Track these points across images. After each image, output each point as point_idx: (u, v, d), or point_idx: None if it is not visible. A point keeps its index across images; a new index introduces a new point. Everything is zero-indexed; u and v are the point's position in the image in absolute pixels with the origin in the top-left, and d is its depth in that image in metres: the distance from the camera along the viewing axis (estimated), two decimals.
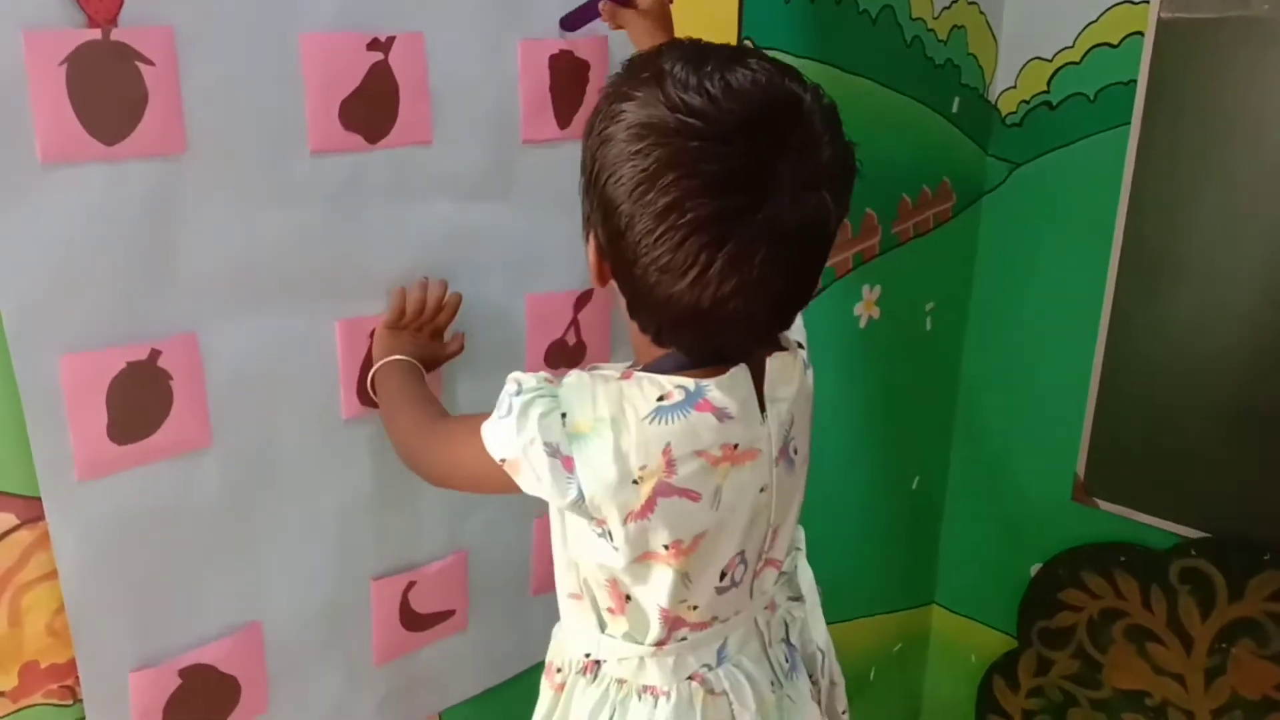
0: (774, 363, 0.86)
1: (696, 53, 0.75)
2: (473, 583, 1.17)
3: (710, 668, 0.90)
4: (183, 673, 0.96)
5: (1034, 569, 1.80)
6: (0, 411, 0.82)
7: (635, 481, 0.78)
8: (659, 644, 0.87)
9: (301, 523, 1.01)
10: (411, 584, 1.11)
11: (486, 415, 0.82)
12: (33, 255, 0.80)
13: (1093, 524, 1.72)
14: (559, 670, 0.95)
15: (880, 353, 1.66)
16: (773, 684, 0.93)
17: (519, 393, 0.80)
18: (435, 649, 1.16)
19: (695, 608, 0.86)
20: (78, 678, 0.90)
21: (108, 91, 0.81)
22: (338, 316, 0.99)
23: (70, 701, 0.91)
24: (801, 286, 0.79)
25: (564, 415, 0.78)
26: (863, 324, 1.60)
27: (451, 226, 1.04)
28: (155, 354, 0.88)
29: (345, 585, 1.07)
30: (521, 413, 0.78)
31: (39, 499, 0.85)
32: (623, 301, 0.81)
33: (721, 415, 0.80)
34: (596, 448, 0.78)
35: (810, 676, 0.98)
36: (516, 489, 0.82)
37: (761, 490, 0.85)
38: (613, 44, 1.11)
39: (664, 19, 1.03)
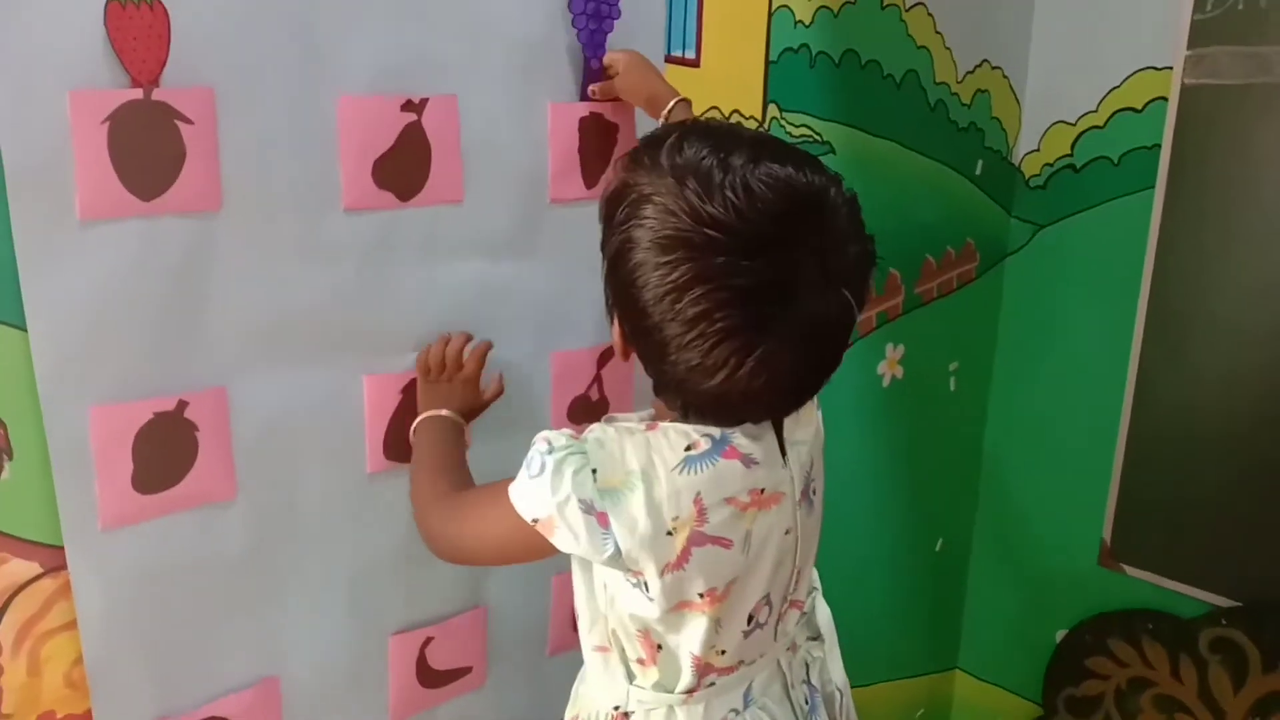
0: None
1: (715, 144, 0.75)
2: (491, 640, 1.16)
3: (737, 712, 0.89)
4: None
5: (1059, 635, 1.77)
6: (27, 460, 0.83)
7: (669, 533, 0.79)
8: (689, 691, 0.87)
9: (323, 577, 1.01)
10: (429, 640, 1.11)
11: (507, 481, 0.82)
12: (68, 308, 0.82)
13: (1120, 590, 1.69)
14: None
15: (903, 412, 1.65)
16: None
17: (550, 451, 0.79)
18: (452, 706, 1.15)
19: (723, 653, 0.86)
20: None
21: (147, 149, 0.83)
22: (366, 371, 1.00)
23: None
24: (826, 372, 0.81)
25: (594, 471, 0.78)
26: (886, 383, 1.60)
27: (480, 284, 1.05)
28: (183, 405, 0.88)
29: (364, 640, 1.06)
30: (556, 471, 0.78)
31: (62, 548, 0.86)
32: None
33: (748, 461, 0.80)
34: (630, 501, 0.78)
35: (830, 717, 0.97)
36: (539, 555, 0.82)
37: (787, 533, 0.86)
38: (640, 110, 1.13)
39: (646, 71, 1.07)
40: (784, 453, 0.85)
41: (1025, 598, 1.82)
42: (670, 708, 0.88)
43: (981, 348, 1.78)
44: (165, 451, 0.89)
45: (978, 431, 1.83)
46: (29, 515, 0.84)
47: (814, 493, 0.90)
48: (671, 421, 0.83)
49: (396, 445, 1.03)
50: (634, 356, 0.82)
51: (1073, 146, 1.65)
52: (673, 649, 0.85)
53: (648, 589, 0.81)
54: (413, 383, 1.03)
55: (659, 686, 0.87)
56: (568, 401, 1.16)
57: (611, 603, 0.85)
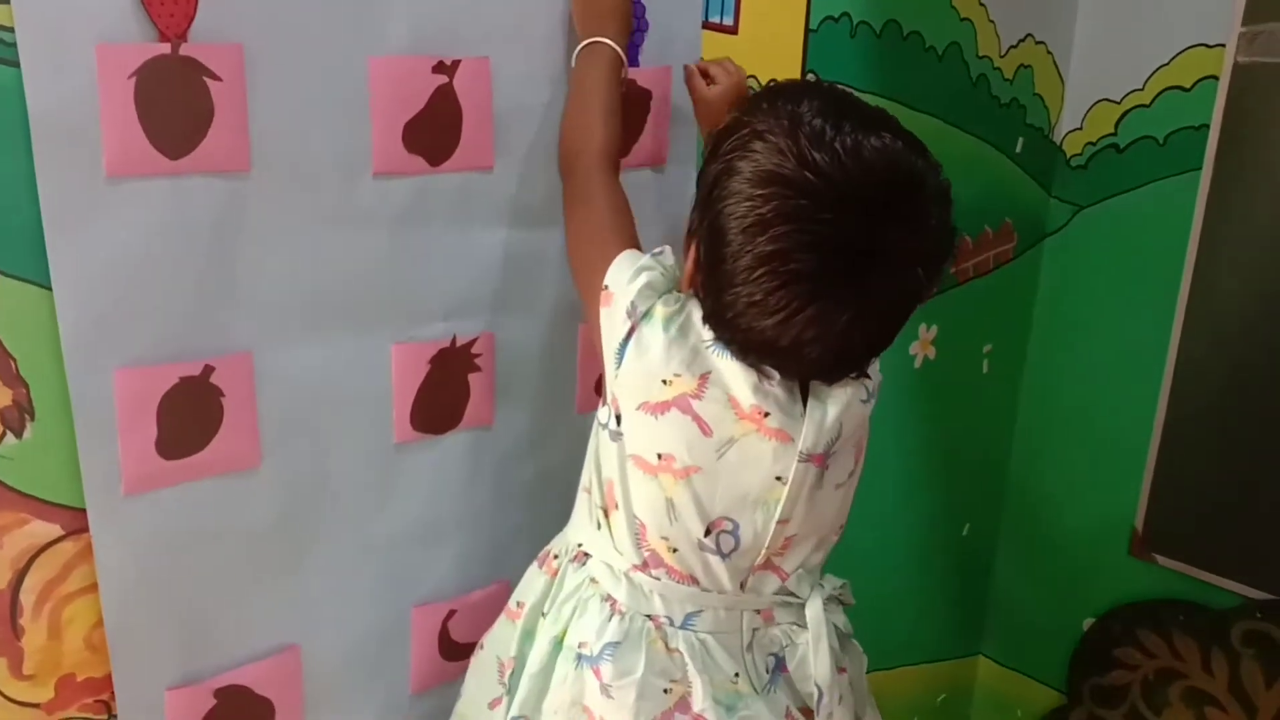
0: None
1: (837, 106, 0.78)
2: None
3: (672, 622, 0.90)
4: (218, 693, 0.95)
5: (1087, 624, 1.75)
6: (51, 422, 0.82)
7: (665, 382, 0.83)
8: (636, 568, 0.90)
9: (346, 547, 1.00)
10: (452, 613, 1.09)
11: (623, 240, 0.89)
12: (93, 268, 0.80)
13: (1150, 580, 1.66)
14: (555, 557, 0.97)
15: (935, 394, 1.62)
16: (735, 677, 0.91)
17: (660, 253, 0.87)
18: None
19: (675, 550, 0.88)
20: (114, 693, 0.90)
21: (175, 106, 0.81)
22: (394, 340, 0.98)
23: (105, 716, 0.91)
24: (876, 346, 0.84)
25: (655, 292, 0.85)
26: (918, 364, 1.57)
27: (510, 252, 1.03)
28: (209, 370, 0.87)
29: (386, 612, 1.05)
30: (648, 266, 0.85)
31: (84, 511, 0.85)
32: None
33: (763, 377, 0.83)
34: (657, 335, 0.83)
35: (803, 709, 0.94)
36: (586, 294, 0.90)
37: (777, 479, 0.86)
38: (676, 74, 1.10)
39: (739, 97, 1.04)
40: (804, 401, 0.85)
41: (1052, 585, 1.79)
42: (617, 573, 0.90)
43: (1016, 330, 1.74)
44: (190, 417, 0.87)
45: (1009, 415, 1.80)
46: (51, 477, 0.83)
47: (828, 467, 0.88)
48: None
49: (424, 415, 1.01)
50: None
51: (1117, 125, 1.60)
52: (627, 511, 0.89)
53: (618, 422, 0.86)
54: (440, 353, 1.01)
55: (614, 548, 0.91)
56: (595, 375, 1.14)
57: (596, 444, 0.92)
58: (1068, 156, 1.66)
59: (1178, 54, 1.51)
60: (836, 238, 0.75)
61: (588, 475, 0.94)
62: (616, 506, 0.90)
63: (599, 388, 1.15)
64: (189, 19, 0.80)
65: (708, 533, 0.87)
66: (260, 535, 0.94)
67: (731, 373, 0.83)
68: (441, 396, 1.02)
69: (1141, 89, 1.57)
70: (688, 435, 0.84)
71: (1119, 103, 1.59)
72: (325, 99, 0.88)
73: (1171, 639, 1.64)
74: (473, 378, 1.04)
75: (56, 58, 0.75)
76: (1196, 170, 1.51)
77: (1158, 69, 1.54)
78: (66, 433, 0.82)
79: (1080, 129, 1.64)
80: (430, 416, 1.02)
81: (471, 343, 1.03)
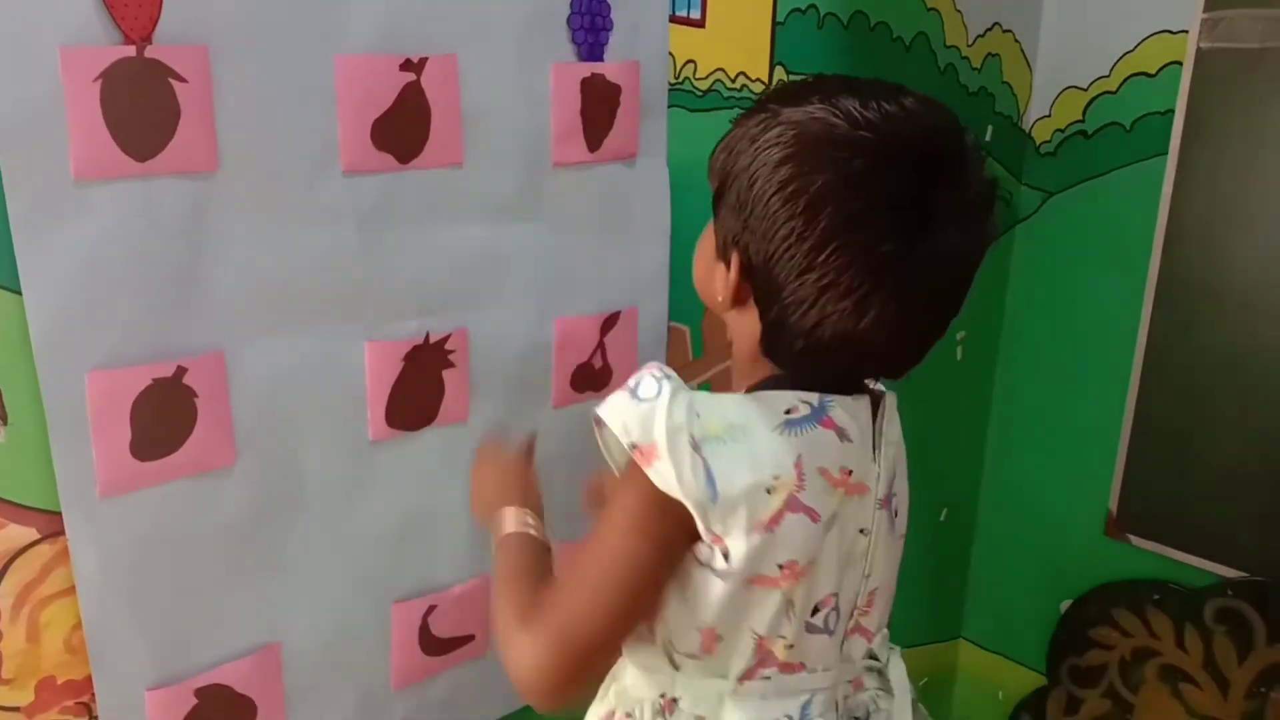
0: (889, 399, 0.85)
1: (853, 81, 0.76)
2: None
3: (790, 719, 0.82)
4: (199, 692, 0.95)
5: (1064, 605, 1.77)
6: (25, 426, 0.82)
7: (769, 490, 0.74)
8: (743, 678, 0.80)
9: (324, 544, 1.01)
10: (432, 608, 1.10)
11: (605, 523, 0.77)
12: (63, 271, 0.80)
13: (1125, 560, 1.68)
14: (629, 716, 0.85)
15: (909, 381, 1.62)
16: None
17: (667, 377, 0.76)
18: (453, 674, 1.15)
19: (790, 646, 0.80)
20: (94, 695, 0.90)
21: (141, 108, 0.81)
22: (367, 337, 0.98)
23: (86, 718, 0.91)
24: (946, 318, 0.80)
25: (698, 415, 0.75)
26: None
27: (481, 248, 1.04)
28: (181, 371, 0.87)
29: (366, 608, 1.06)
30: (673, 397, 0.74)
31: (60, 514, 0.85)
32: (744, 324, 0.80)
33: (842, 435, 0.78)
34: (731, 451, 0.74)
35: None
36: (662, 570, 0.76)
37: (861, 532, 0.81)
38: (644, 67, 1.11)
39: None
40: (876, 447, 0.81)
41: (1030, 568, 1.81)
42: (720, 698, 0.81)
43: (989, 316, 1.76)
44: (164, 418, 0.87)
45: (984, 401, 1.81)
46: (26, 480, 0.83)
47: (896, 510, 0.85)
48: (754, 383, 0.81)
49: (399, 412, 1.02)
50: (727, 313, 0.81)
51: (1084, 112, 1.62)
52: (734, 632, 0.79)
53: (727, 558, 0.75)
54: (414, 350, 1.01)
55: (710, 672, 0.81)
56: (571, 369, 1.15)
57: (683, 591, 0.78)
58: (1037, 144, 1.67)
59: (1142, 41, 1.53)
60: (901, 198, 0.71)
61: (664, 630, 0.80)
62: (719, 639, 0.79)
63: (574, 382, 1.16)
64: (153, 21, 0.80)
65: (815, 612, 0.81)
66: (237, 534, 0.94)
67: (815, 444, 0.76)
68: (416, 393, 1.03)
69: (1108, 76, 1.58)
70: (804, 531, 0.76)
71: (1086, 90, 1.61)
72: (292, 98, 0.88)
73: (1147, 618, 1.66)
74: (447, 374, 1.05)
75: (20, 61, 0.75)
76: (1163, 155, 1.53)
77: (1123, 56, 1.56)
78: (40, 436, 0.82)
79: (1049, 116, 1.66)
80: (406, 413, 1.02)
81: (445, 339, 1.03)
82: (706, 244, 0.83)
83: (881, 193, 0.71)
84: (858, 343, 0.74)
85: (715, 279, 0.80)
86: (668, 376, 0.76)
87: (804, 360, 0.78)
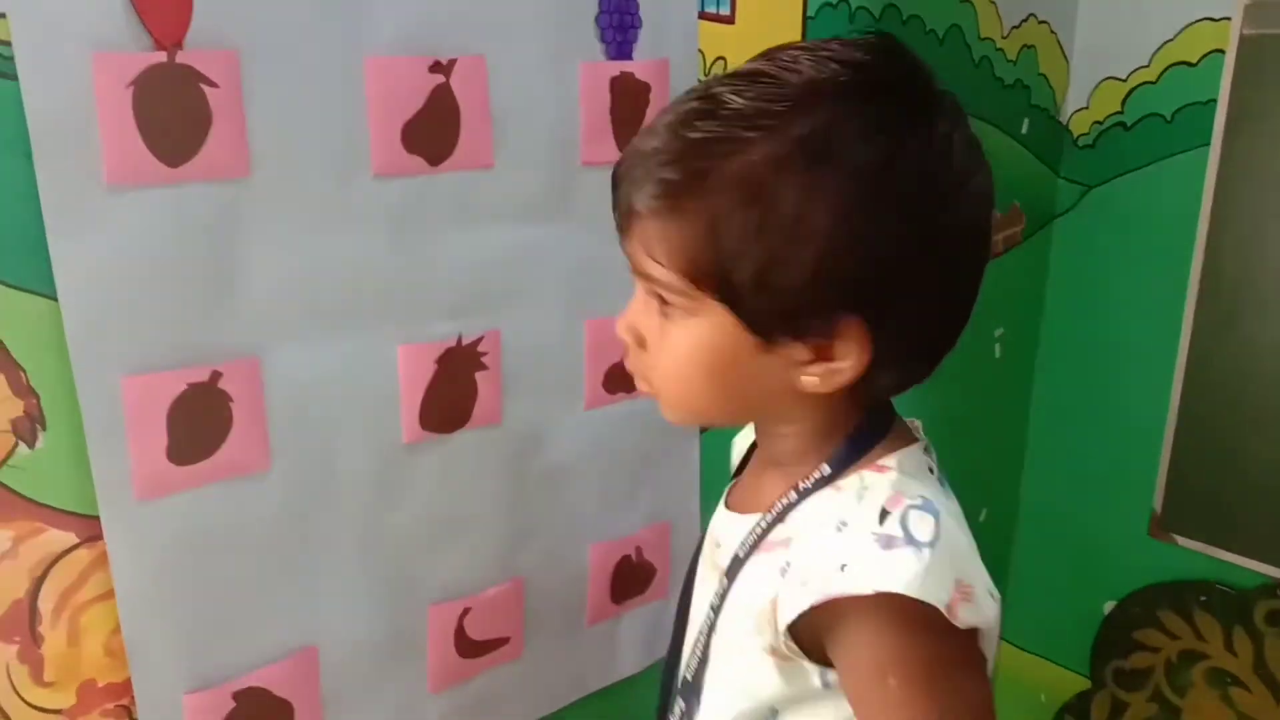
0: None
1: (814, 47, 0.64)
2: (528, 610, 1.15)
3: None
4: (237, 695, 0.95)
5: (1108, 607, 1.73)
6: (61, 431, 0.83)
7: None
8: None
9: (360, 547, 1.01)
10: (467, 610, 1.10)
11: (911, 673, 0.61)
12: (98, 277, 0.81)
13: (1171, 561, 1.65)
14: None
15: (947, 380, 1.59)
16: None
17: (929, 503, 0.63)
18: (489, 676, 1.14)
19: None
20: (134, 698, 0.90)
21: (172, 114, 0.81)
22: (400, 340, 0.98)
23: None
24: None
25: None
26: None
27: (512, 249, 1.03)
28: (216, 376, 0.88)
29: (402, 611, 1.05)
30: (947, 520, 0.63)
31: (98, 518, 0.85)
32: (824, 394, 0.66)
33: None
34: (974, 556, 0.64)
35: None
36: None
37: None
38: (673, 65, 1.10)
39: None
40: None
41: (1072, 569, 1.78)
42: None
43: (1028, 313, 1.73)
44: (199, 422, 0.88)
45: (1024, 399, 1.79)
46: (64, 485, 0.84)
47: None
48: (846, 434, 0.70)
49: (433, 415, 1.01)
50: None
51: (1123, 103, 1.59)
52: None
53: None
54: (447, 352, 1.01)
55: None
56: (602, 370, 1.14)
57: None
58: (1074, 136, 1.65)
59: (1183, 29, 1.50)
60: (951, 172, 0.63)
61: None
62: None
63: (606, 383, 1.15)
64: (184, 26, 0.81)
65: None
66: (272, 537, 0.95)
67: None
68: (449, 396, 1.03)
69: (1147, 66, 1.55)
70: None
71: (1125, 80, 1.58)
72: (322, 101, 0.89)
73: (1194, 620, 1.63)
74: (480, 376, 1.04)
75: (54, 69, 0.76)
76: (1205, 146, 1.50)
77: (1163, 45, 1.53)
78: (78, 441, 0.83)
79: (1086, 108, 1.63)
80: (439, 416, 1.02)
81: (477, 341, 1.03)
82: (706, 343, 0.65)
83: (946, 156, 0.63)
84: (946, 348, 0.69)
85: (766, 375, 0.65)
86: (929, 502, 0.63)
87: (915, 369, 0.69)
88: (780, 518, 0.70)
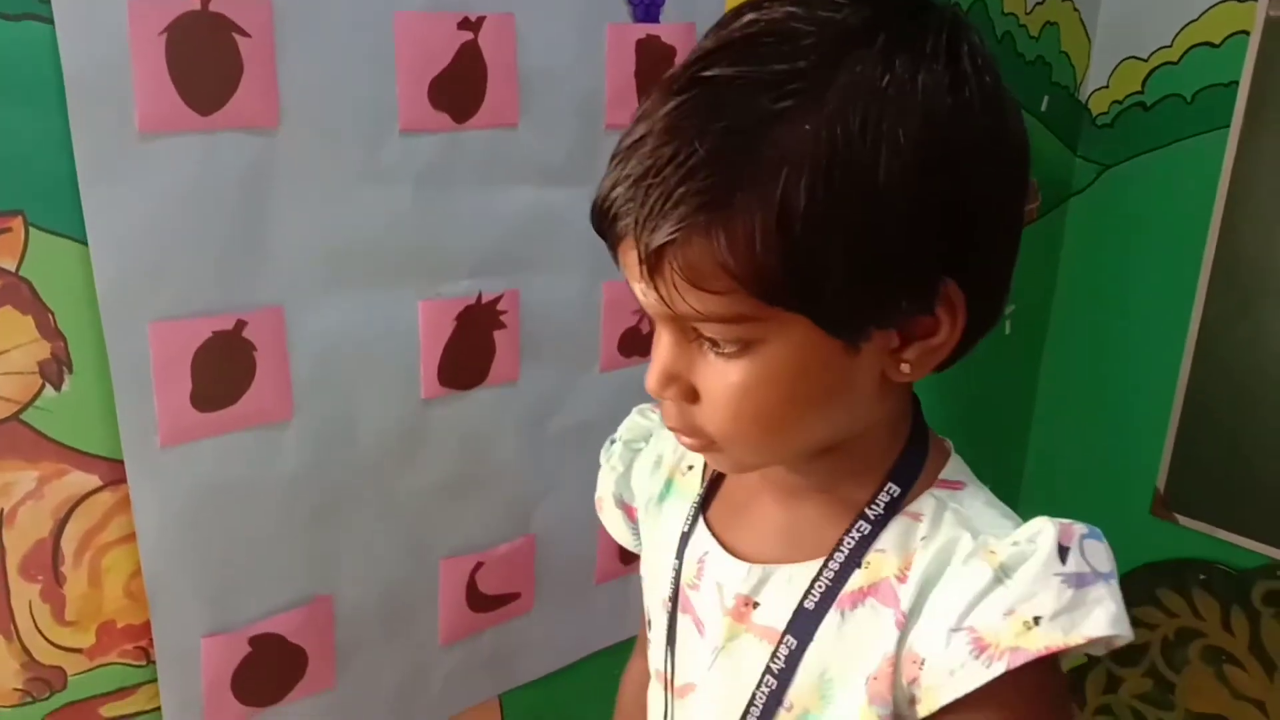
0: None
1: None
2: (539, 567, 1.17)
3: None
4: (253, 640, 0.97)
5: None
6: (88, 375, 0.84)
7: None
8: None
9: (376, 499, 1.02)
10: (479, 565, 1.11)
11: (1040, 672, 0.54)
12: (128, 223, 0.81)
13: (1172, 540, 1.66)
14: None
15: None
16: None
17: (1093, 532, 0.58)
18: (499, 631, 1.16)
19: None
20: (152, 640, 0.92)
21: (205, 62, 0.81)
22: (421, 296, 0.99)
23: (144, 663, 0.93)
24: None
25: None
26: None
27: (534, 210, 1.04)
28: (241, 325, 0.88)
29: (415, 563, 1.07)
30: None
31: (121, 462, 0.86)
32: (902, 389, 0.62)
33: None
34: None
35: None
36: None
37: None
38: (700, 29, 1.10)
39: None
40: None
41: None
42: None
43: (1040, 291, 1.74)
44: (223, 370, 0.89)
45: (1032, 376, 1.79)
46: (89, 429, 0.85)
47: None
48: (904, 447, 0.64)
49: (451, 371, 1.03)
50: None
51: (1144, 83, 1.58)
52: None
53: None
54: (466, 309, 1.02)
55: None
56: (619, 333, 1.15)
57: None
58: (1093, 115, 1.64)
59: (1207, 9, 1.49)
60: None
61: None
62: None
63: (621, 346, 1.16)
64: None
65: None
66: (292, 487, 0.96)
67: None
68: (468, 353, 1.03)
69: (1170, 46, 1.55)
70: None
71: (1146, 60, 1.57)
72: (352, 55, 0.89)
73: (1192, 598, 1.65)
74: (498, 334, 1.05)
75: (89, 14, 0.76)
76: (1225, 128, 1.49)
77: (1186, 25, 1.52)
78: (104, 385, 0.84)
79: (1106, 87, 1.62)
80: (457, 372, 1.03)
81: (497, 300, 1.04)
82: (786, 370, 0.55)
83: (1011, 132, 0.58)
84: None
85: (856, 381, 0.57)
86: (1092, 527, 0.58)
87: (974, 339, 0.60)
88: (856, 561, 0.61)
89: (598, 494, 0.85)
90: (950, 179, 0.52)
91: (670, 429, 0.61)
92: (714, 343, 0.56)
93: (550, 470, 1.14)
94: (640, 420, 0.83)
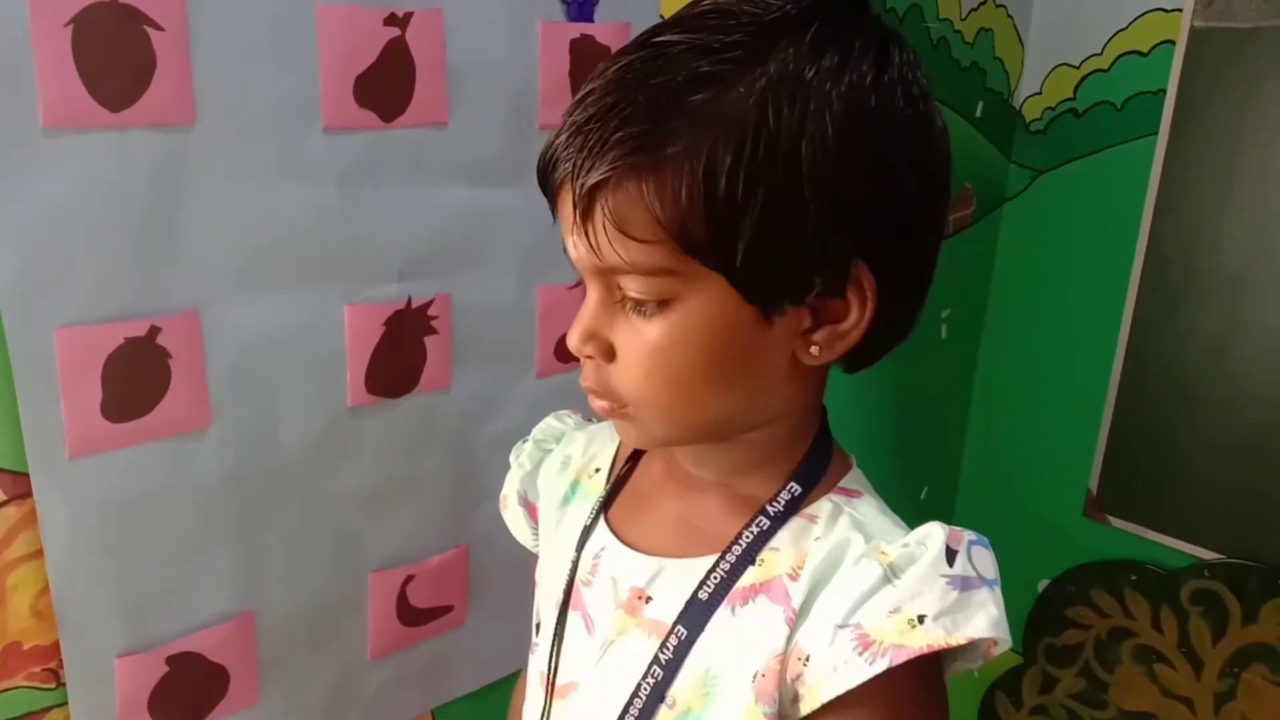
0: None
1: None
2: (472, 578, 1.14)
3: None
4: (170, 660, 0.93)
5: (1042, 585, 1.77)
6: None
7: None
8: None
9: (301, 511, 0.98)
10: (410, 577, 1.08)
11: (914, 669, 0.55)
12: (31, 223, 0.77)
13: (1104, 541, 1.69)
14: None
15: (893, 358, 1.60)
16: None
17: (980, 538, 0.60)
18: (431, 644, 1.13)
19: None
20: (61, 661, 0.88)
21: (115, 56, 0.78)
22: (347, 300, 0.96)
23: (54, 685, 0.89)
24: None
25: None
26: None
27: (465, 211, 1.01)
28: (155, 330, 0.85)
29: (343, 576, 1.04)
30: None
31: (27, 475, 0.82)
32: (812, 379, 0.64)
33: None
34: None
35: None
36: None
37: None
38: (635, 29, 1.08)
39: None
40: None
41: (1009, 547, 1.78)
42: None
43: (975, 295, 1.75)
44: (136, 378, 0.85)
45: (967, 380, 1.81)
46: None
47: None
48: (806, 448, 0.66)
49: (379, 378, 0.99)
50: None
51: (1075, 90, 1.61)
52: None
53: None
54: (395, 314, 0.99)
55: None
56: (555, 337, 1.13)
57: None
58: (1027, 121, 1.66)
59: (1136, 19, 1.52)
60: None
61: None
62: None
63: (558, 351, 1.14)
64: None
65: None
66: (211, 499, 0.92)
67: None
68: (397, 359, 1.01)
69: (1100, 54, 1.57)
70: None
71: (1078, 68, 1.60)
72: (272, 50, 0.86)
73: (1124, 598, 1.67)
74: (429, 340, 1.02)
75: None
76: (1154, 135, 1.52)
77: (1116, 33, 1.55)
78: (8, 395, 0.80)
79: (1039, 94, 1.65)
80: (386, 379, 1.00)
81: (427, 304, 1.01)
82: (700, 330, 0.57)
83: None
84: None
85: (767, 356, 0.59)
86: (979, 534, 0.61)
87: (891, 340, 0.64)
88: (751, 557, 0.62)
89: (503, 492, 0.86)
90: (867, 172, 0.55)
91: (585, 389, 0.63)
92: (637, 304, 0.58)
93: (484, 479, 1.11)
94: (554, 423, 0.85)
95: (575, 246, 0.59)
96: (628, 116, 0.54)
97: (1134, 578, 1.66)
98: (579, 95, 0.58)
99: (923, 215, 0.60)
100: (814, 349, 0.59)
